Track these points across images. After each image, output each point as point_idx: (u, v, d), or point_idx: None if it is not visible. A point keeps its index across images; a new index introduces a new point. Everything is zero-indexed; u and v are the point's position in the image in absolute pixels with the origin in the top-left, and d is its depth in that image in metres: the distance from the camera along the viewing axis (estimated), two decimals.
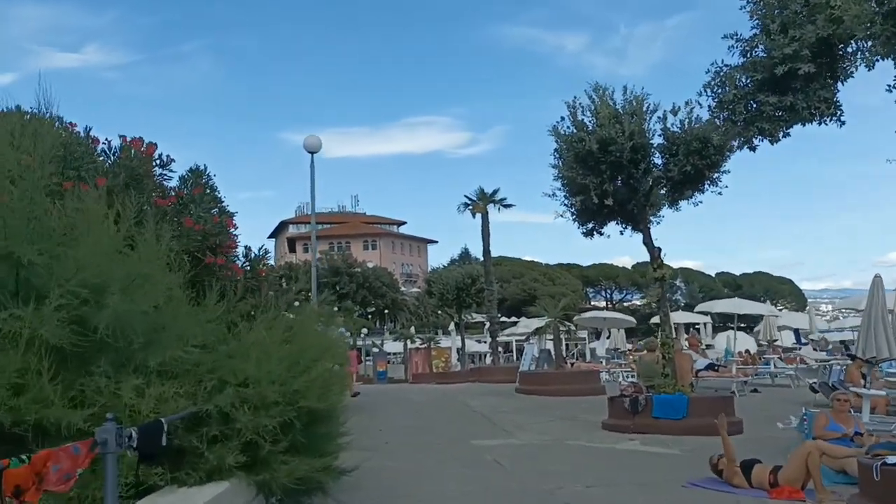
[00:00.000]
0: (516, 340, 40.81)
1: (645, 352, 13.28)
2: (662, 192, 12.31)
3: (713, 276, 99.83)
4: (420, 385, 27.63)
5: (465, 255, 69.26)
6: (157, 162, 8.55)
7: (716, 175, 11.36)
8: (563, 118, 11.82)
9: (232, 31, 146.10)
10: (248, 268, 9.58)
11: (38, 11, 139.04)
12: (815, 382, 13.96)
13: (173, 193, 8.93)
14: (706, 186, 11.49)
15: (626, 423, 11.14)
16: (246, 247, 10.15)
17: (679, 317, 26.41)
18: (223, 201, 9.97)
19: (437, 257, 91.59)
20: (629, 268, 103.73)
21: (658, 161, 11.75)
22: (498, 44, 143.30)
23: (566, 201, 12.46)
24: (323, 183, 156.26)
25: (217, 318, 5.26)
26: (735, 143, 11.00)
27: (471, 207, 27.07)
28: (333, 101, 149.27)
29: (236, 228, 9.72)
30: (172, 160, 8.75)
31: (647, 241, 12.01)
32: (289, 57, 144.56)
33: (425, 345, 35.17)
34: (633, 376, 25.68)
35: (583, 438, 10.45)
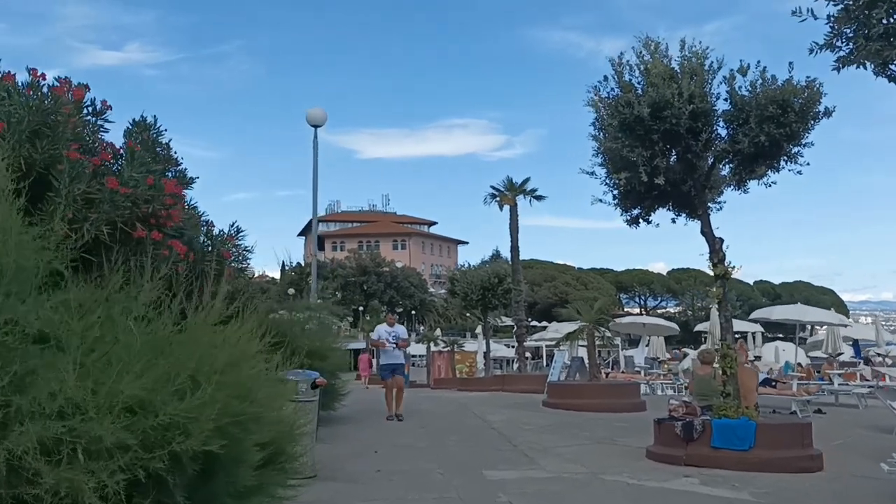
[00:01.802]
0: (546, 346, 38.57)
1: (699, 364, 11.06)
2: (725, 170, 10.16)
3: (751, 284, 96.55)
4: (440, 391, 25.64)
5: (496, 256, 67.13)
6: (89, 109, 6.67)
7: (796, 149, 9.17)
8: (605, 78, 9.73)
9: (271, 31, 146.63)
10: (210, 248, 7.65)
11: (82, 10, 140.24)
12: None
13: (109, 150, 7.05)
14: (783, 162, 9.31)
15: (677, 453, 9.01)
16: (207, 221, 8.25)
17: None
18: (180, 163, 8.09)
19: (468, 259, 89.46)
20: (664, 274, 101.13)
21: (722, 132, 9.60)
22: (535, 47, 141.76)
23: (607, 180, 10.36)
24: (355, 182, 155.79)
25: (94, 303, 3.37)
26: (823, 108, 8.85)
27: (498, 199, 24.83)
28: (370, 102, 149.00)
29: (183, 195, 7.81)
30: (109, 107, 6.82)
31: (706, 231, 9.85)
32: (327, 57, 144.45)
33: (448, 348, 33.09)
34: (672, 388, 23.42)
35: (625, 472, 8.33)
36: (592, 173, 10.45)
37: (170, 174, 7.69)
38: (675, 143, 9.54)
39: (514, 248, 24.33)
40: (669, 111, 9.09)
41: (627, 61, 9.64)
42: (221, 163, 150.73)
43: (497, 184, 25.32)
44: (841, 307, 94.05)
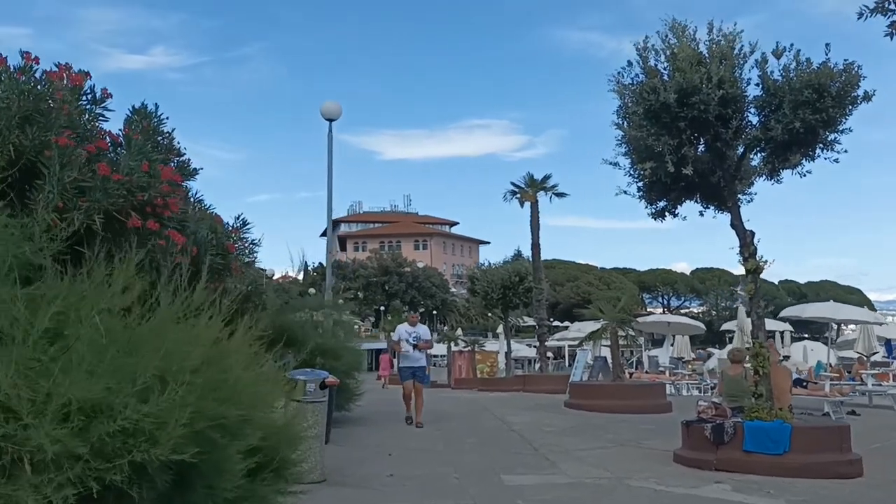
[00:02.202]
0: (569, 346, 38.02)
1: (729, 364, 10.53)
2: (756, 160, 9.65)
3: (776, 283, 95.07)
4: (460, 391, 25.24)
5: (518, 256, 66.72)
6: (87, 97, 6.35)
7: (832, 136, 8.63)
8: (629, 63, 9.25)
9: (293, 33, 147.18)
10: (213, 242, 7.30)
11: (107, 14, 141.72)
12: None
13: (106, 138, 6.74)
14: (818, 150, 8.78)
15: (707, 458, 8.53)
16: (213, 215, 7.91)
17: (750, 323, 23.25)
18: (183, 153, 7.76)
19: (489, 259, 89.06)
20: (688, 273, 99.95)
21: (754, 119, 9.09)
22: (556, 48, 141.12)
23: (632, 171, 9.89)
24: (377, 183, 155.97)
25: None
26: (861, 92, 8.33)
27: (518, 196, 24.30)
28: (392, 103, 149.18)
29: (184, 185, 7.47)
30: (109, 95, 6.50)
31: (737, 223, 9.34)
32: (349, 59, 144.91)
33: (469, 348, 32.63)
34: (697, 388, 22.80)
35: (652, 477, 7.87)
36: (616, 164, 9.99)
37: (173, 165, 7.39)
38: (703, 131, 9.05)
39: (535, 246, 23.83)
40: (697, 97, 8.61)
41: (653, 46, 9.16)
42: (244, 164, 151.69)
43: (517, 181, 24.87)
44: (869, 307, 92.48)
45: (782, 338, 26.45)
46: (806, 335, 46.77)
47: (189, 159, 7.65)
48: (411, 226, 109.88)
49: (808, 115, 8.27)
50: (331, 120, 14.24)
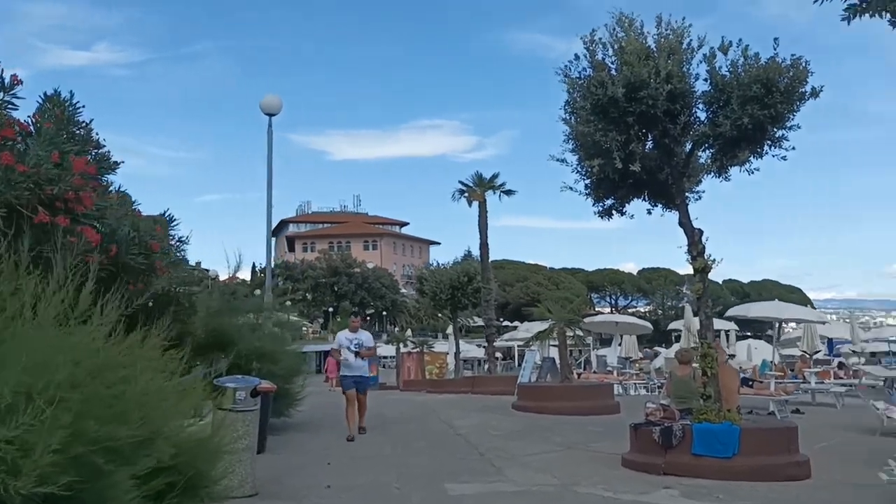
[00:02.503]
0: (518, 346, 37.94)
1: (677, 364, 10.37)
2: (703, 158, 9.51)
3: (720, 283, 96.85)
4: (408, 394, 24.88)
5: (468, 256, 66.41)
6: None
7: (780, 132, 8.52)
8: (577, 57, 9.01)
9: (246, 32, 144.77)
10: (136, 240, 6.80)
11: (47, 10, 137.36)
12: None
13: (15, 128, 6.24)
14: (766, 147, 8.66)
15: (655, 461, 8.33)
16: (134, 211, 7.41)
17: (698, 322, 23.35)
18: (103, 146, 7.24)
19: (440, 259, 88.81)
20: (635, 273, 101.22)
21: (702, 115, 8.93)
22: (508, 49, 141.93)
23: (579, 167, 9.66)
24: (327, 183, 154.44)
25: None
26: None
27: (467, 195, 23.95)
28: (344, 103, 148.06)
29: (101, 178, 6.97)
30: (19, 82, 6.02)
31: (685, 221, 9.18)
32: (302, 58, 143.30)
33: (418, 349, 32.26)
34: (645, 388, 22.81)
35: (600, 483, 7.62)
36: (563, 160, 9.77)
37: (90, 157, 6.88)
38: (651, 126, 8.87)
39: (484, 245, 23.55)
40: (646, 91, 8.41)
41: (600, 39, 8.94)
42: (194, 164, 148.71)
43: (466, 179, 24.53)
44: (810, 306, 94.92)
45: (727, 337, 26.71)
46: (748, 333, 47.58)
47: (109, 151, 7.15)
48: (361, 226, 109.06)
49: (756, 110, 8.14)
50: (271, 115, 13.72)
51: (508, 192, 24.20)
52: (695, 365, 9.74)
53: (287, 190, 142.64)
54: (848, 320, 24.29)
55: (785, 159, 8.61)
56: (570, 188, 10.10)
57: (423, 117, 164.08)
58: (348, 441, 10.56)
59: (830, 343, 25.78)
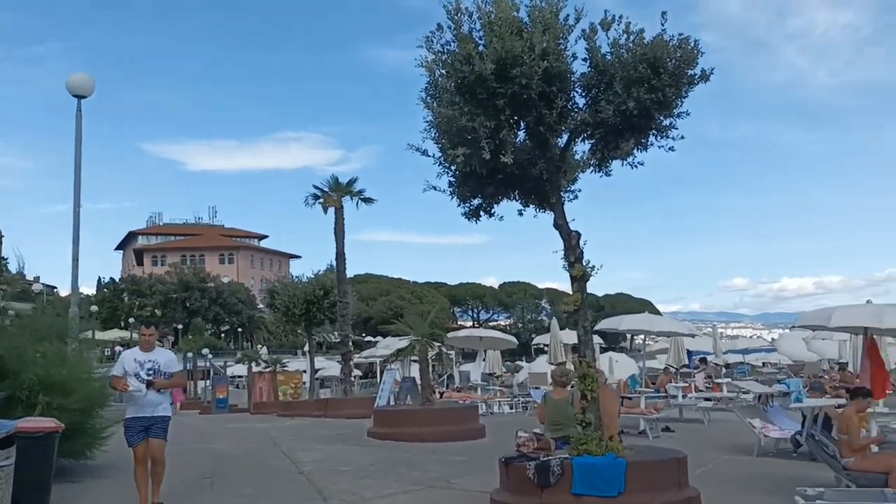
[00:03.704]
0: (381, 362, 36.36)
1: (552, 387, 9.12)
2: (579, 152, 8.39)
3: None
4: (257, 418, 22.84)
5: (332, 270, 64.36)
6: None
7: (668, 121, 7.50)
8: (440, 27, 7.65)
9: (94, 35, 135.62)
10: None
11: None
12: (798, 434, 10.26)
13: None
14: (652, 137, 7.62)
15: (530, 502, 7.04)
16: None
17: (568, 335, 22.71)
18: None
19: (301, 273, 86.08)
20: (496, 287, 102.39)
21: (581, 101, 7.79)
22: (374, 65, 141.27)
23: (443, 159, 8.28)
24: (181, 195, 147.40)
25: None
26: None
27: (322, 200, 22.07)
28: (202, 113, 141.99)
29: None
30: None
31: (561, 223, 8.00)
32: (157, 65, 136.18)
33: (270, 368, 29.99)
34: (509, 405, 21.81)
35: None
36: (424, 151, 8.35)
37: None
38: (524, 112, 7.60)
39: (340, 255, 21.77)
40: (519, 70, 7.14)
41: (466, 8, 7.62)
42: (37, 173, 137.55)
43: (321, 184, 22.59)
44: None
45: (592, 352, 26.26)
46: (604, 345, 48.24)
47: None
48: (217, 238, 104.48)
49: (642, 94, 7.05)
50: (80, 97, 11.60)
51: (367, 200, 22.49)
52: (572, 386, 8.58)
53: (138, 201, 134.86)
54: (709, 333, 24.38)
55: (672, 150, 7.59)
56: (434, 187, 8.72)
57: (286, 129, 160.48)
58: None
59: (690, 355, 25.93)
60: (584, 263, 7.93)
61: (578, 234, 8.02)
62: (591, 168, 8.09)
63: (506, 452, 7.89)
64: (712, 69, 7.27)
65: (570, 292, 8.11)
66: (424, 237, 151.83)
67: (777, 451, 11.38)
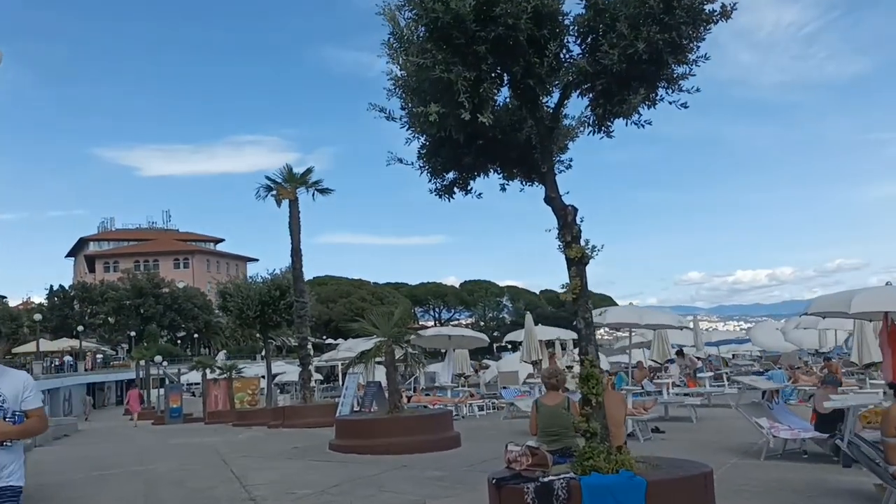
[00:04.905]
0: (342, 365, 34.79)
1: (546, 392, 7.77)
2: (569, 117, 7.14)
3: (537, 293, 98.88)
4: (211, 428, 21.21)
5: (287, 271, 62.46)
6: None
7: (681, 69, 6.26)
8: None
9: (41, 37, 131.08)
10: None
11: None
12: (833, 437, 8.99)
13: None
14: (663, 88, 6.37)
15: None
16: None
17: (542, 332, 21.52)
18: None
19: (255, 274, 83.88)
20: (457, 286, 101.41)
21: (576, 49, 6.51)
22: (331, 67, 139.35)
23: (411, 123, 6.95)
24: (135, 200, 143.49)
25: None
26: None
27: (275, 192, 20.51)
28: (154, 116, 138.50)
29: None
30: None
31: (553, 196, 6.73)
32: (109, 68, 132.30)
33: (225, 375, 28.28)
34: (479, 407, 20.57)
35: None
36: (388, 114, 7.02)
37: None
38: (510, 60, 6.30)
39: (296, 252, 20.22)
40: (503, 7, 5.85)
41: None
42: None
43: (274, 174, 20.82)
44: None
45: (563, 347, 25.25)
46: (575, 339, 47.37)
47: None
48: (171, 243, 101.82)
49: (654, 32, 5.80)
50: None
51: (324, 191, 20.86)
52: (570, 389, 7.31)
53: (89, 207, 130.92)
54: (690, 325, 23.41)
55: (686, 106, 6.35)
56: (400, 160, 7.41)
57: (242, 133, 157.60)
58: None
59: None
60: (584, 244, 6.67)
61: (575, 210, 6.75)
62: (590, 129, 6.81)
63: (492, 468, 6.63)
64: (734, 3, 6.03)
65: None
66: (384, 238, 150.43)
67: (785, 452, 10.28)
